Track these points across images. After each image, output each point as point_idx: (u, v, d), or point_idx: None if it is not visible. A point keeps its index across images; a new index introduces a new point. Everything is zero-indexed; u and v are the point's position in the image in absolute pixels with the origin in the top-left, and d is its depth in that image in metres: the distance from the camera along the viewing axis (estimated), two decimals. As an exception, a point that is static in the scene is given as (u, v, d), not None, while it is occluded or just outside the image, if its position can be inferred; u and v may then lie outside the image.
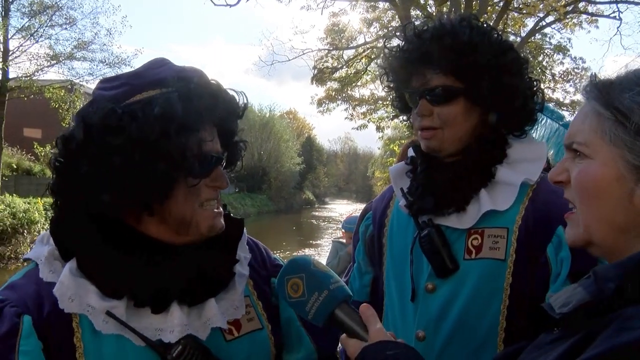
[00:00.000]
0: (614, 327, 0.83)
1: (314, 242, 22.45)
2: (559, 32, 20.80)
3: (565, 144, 1.03)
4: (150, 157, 1.12)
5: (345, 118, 23.89)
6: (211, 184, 1.23)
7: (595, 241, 0.98)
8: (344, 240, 5.49)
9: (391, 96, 1.85)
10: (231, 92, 1.29)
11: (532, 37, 20.07)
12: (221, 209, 1.28)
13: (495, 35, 1.62)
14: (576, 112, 1.05)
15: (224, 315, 1.23)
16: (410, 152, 1.81)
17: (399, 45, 1.67)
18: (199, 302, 1.20)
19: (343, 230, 5.73)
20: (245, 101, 1.32)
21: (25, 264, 1.26)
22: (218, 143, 1.26)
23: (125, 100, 1.17)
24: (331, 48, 22.38)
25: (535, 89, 1.65)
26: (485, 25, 1.65)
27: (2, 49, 19.59)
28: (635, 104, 0.92)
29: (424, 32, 1.60)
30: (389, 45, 1.72)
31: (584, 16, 19.90)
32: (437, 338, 1.59)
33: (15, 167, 22.05)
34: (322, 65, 22.38)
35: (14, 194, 17.95)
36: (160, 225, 1.21)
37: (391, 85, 1.75)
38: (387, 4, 19.54)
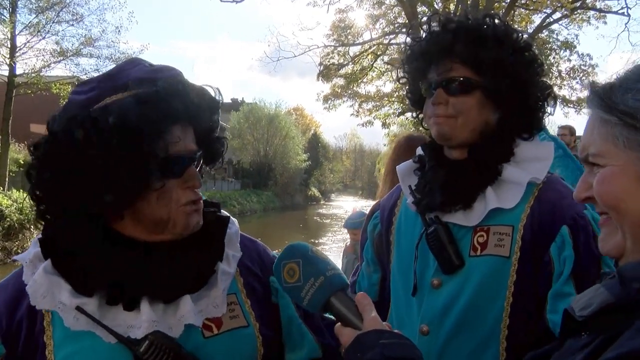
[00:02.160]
0: (636, 328, 0.80)
1: (317, 241, 22.27)
2: (566, 28, 20.68)
3: (580, 158, 1.00)
4: (111, 164, 1.12)
5: (351, 115, 23.89)
6: (184, 184, 1.21)
7: (635, 249, 0.93)
8: (349, 242, 5.39)
9: (400, 92, 1.87)
10: (205, 89, 1.29)
11: (539, 34, 19.94)
12: (199, 207, 1.26)
13: (516, 34, 1.65)
14: (585, 124, 1.01)
15: (201, 313, 1.23)
16: (419, 151, 1.83)
17: (421, 36, 1.69)
18: (174, 299, 1.20)
19: (347, 229, 5.64)
20: (220, 97, 1.31)
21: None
22: (191, 142, 1.24)
23: (94, 105, 1.17)
24: (337, 44, 22.35)
25: (548, 92, 1.67)
26: (506, 24, 1.68)
27: (9, 45, 19.69)
28: None
29: (449, 23, 1.63)
30: (412, 35, 1.75)
31: (591, 12, 19.78)
32: (441, 333, 1.60)
33: (22, 162, 22.11)
34: (328, 61, 22.35)
35: (21, 190, 18.05)
36: (136, 225, 1.22)
37: (407, 76, 1.77)
38: (394, 0, 19.50)
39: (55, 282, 1.16)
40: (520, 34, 1.66)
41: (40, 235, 1.25)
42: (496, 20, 1.65)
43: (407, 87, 1.83)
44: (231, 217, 1.42)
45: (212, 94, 1.30)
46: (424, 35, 1.68)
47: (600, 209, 0.98)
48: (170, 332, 1.17)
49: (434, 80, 1.63)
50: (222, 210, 1.41)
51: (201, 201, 1.27)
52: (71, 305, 1.14)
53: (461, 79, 1.59)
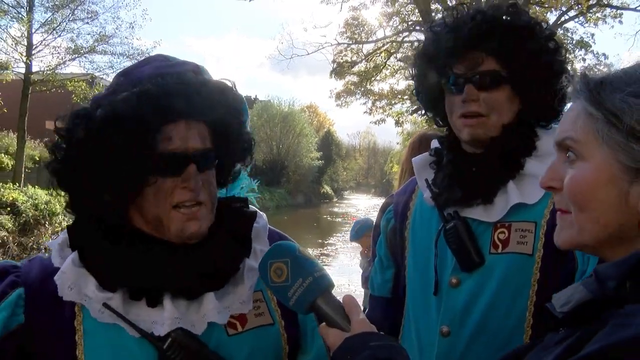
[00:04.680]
0: (611, 324, 0.82)
1: (326, 241, 21.98)
2: (582, 26, 20.44)
3: (556, 140, 1.00)
4: (103, 157, 1.15)
5: (364, 112, 23.84)
6: (182, 184, 1.18)
7: (589, 243, 0.96)
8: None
9: (413, 89, 1.81)
10: (223, 83, 1.27)
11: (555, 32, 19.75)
12: (203, 211, 1.22)
13: (541, 23, 1.61)
14: (566, 110, 1.02)
15: (226, 310, 1.22)
16: (434, 144, 1.78)
17: (447, 25, 1.61)
18: (197, 296, 1.20)
19: (354, 241, 5.36)
20: (238, 93, 1.29)
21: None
22: (196, 140, 1.20)
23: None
24: (350, 42, 22.32)
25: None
26: (528, 13, 1.64)
27: (26, 43, 19.89)
28: (627, 104, 0.89)
29: (478, 13, 1.57)
30: (433, 28, 1.67)
31: (607, 10, 19.53)
32: (463, 334, 1.56)
33: (37, 159, 22.35)
34: (341, 59, 22.33)
35: (37, 186, 18.24)
36: (146, 224, 1.23)
37: (423, 72, 1.70)
38: (407, -3, 19.41)
39: (82, 275, 1.18)
40: (544, 23, 1.62)
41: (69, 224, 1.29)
42: (521, 9, 1.60)
43: (418, 85, 1.76)
44: (259, 211, 1.40)
45: (228, 89, 1.27)
46: (444, 28, 1.61)
47: (560, 205, 0.99)
48: (193, 329, 1.17)
49: (462, 75, 1.57)
50: (249, 205, 1.40)
51: (207, 206, 1.23)
52: (97, 299, 1.16)
53: (493, 72, 1.55)
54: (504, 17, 1.57)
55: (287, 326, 1.32)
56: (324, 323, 1.11)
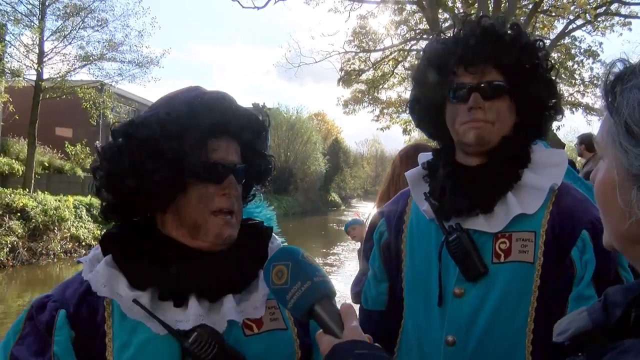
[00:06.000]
0: (618, 351, 0.78)
1: (332, 251, 21.64)
2: (589, 34, 20.36)
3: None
4: (153, 157, 1.27)
5: (372, 120, 23.85)
6: (222, 191, 1.33)
7: (612, 244, 0.91)
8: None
9: (411, 98, 1.84)
10: (250, 110, 1.42)
11: (562, 40, 19.68)
12: (233, 220, 1.36)
13: (540, 41, 1.70)
14: None
15: (242, 313, 1.33)
16: (422, 158, 1.83)
17: (454, 37, 1.70)
18: (219, 298, 1.31)
19: (350, 228, 5.79)
20: (264, 119, 1.45)
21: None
22: (234, 155, 1.37)
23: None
24: (358, 50, 22.35)
25: (557, 100, 1.71)
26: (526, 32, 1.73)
27: (37, 51, 20.09)
28: (626, 98, 0.82)
29: (487, 28, 1.65)
30: (441, 40, 1.75)
31: (616, 18, 19.46)
32: (469, 342, 1.60)
33: (47, 165, 22.53)
34: (349, 67, 22.36)
35: (46, 192, 18.40)
36: (178, 228, 1.35)
37: (426, 80, 1.74)
38: (415, 6, 19.45)
39: (114, 275, 1.30)
40: (543, 41, 1.71)
41: (100, 236, 1.40)
42: (519, 27, 1.69)
43: (418, 94, 1.80)
44: (274, 235, 1.52)
45: (258, 116, 1.44)
46: (454, 39, 1.69)
47: None
48: (215, 327, 1.27)
49: (468, 84, 1.63)
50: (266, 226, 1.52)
51: (236, 215, 1.37)
52: (127, 297, 1.27)
53: (497, 83, 1.62)
54: (507, 34, 1.64)
55: (299, 333, 1.42)
56: (321, 330, 1.14)
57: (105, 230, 1.41)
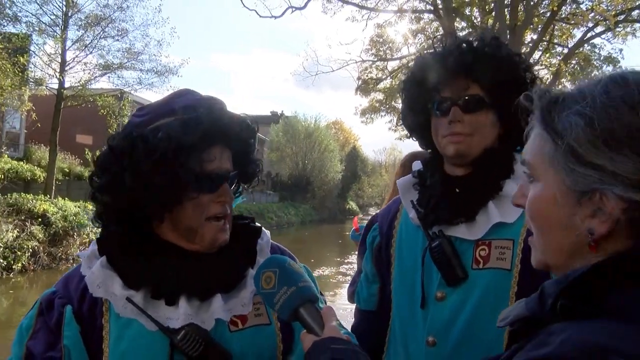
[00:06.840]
0: (533, 342, 0.85)
1: (346, 260, 21.11)
2: (609, 42, 20.12)
3: (520, 161, 1.02)
4: (156, 173, 1.31)
5: (390, 129, 23.87)
6: (217, 199, 1.39)
7: (549, 263, 0.97)
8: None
9: (401, 111, 1.91)
10: (242, 117, 1.47)
11: (580, 48, 19.49)
12: (226, 226, 1.43)
13: (520, 55, 1.75)
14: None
15: (230, 310, 1.41)
16: (416, 166, 1.90)
17: (436, 53, 1.75)
18: (208, 298, 1.38)
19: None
20: (253, 125, 1.49)
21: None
22: (227, 162, 1.42)
23: (148, 126, 1.36)
24: (375, 59, 22.43)
25: None
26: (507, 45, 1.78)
27: (60, 60, 20.49)
28: (568, 123, 0.86)
29: (466, 44, 1.71)
30: (423, 54, 1.82)
31: (637, 25, 19.23)
32: (447, 343, 1.66)
33: (67, 171, 22.87)
34: (366, 76, 22.43)
35: (66, 198, 18.69)
36: (173, 232, 1.42)
37: (413, 96, 1.81)
38: (432, 15, 19.50)
39: (109, 276, 1.38)
40: (523, 55, 1.77)
41: (98, 236, 1.47)
42: (502, 42, 1.74)
43: (406, 108, 1.87)
44: (263, 228, 1.59)
45: (248, 122, 1.48)
46: (434, 55, 1.74)
47: (528, 224, 1.00)
48: (203, 325, 1.35)
49: (449, 99, 1.70)
50: (255, 222, 1.59)
51: (228, 219, 1.44)
52: (121, 295, 1.35)
53: (477, 97, 1.67)
54: (486, 49, 1.69)
55: (282, 327, 1.48)
56: (304, 330, 1.25)
57: (101, 230, 1.47)
